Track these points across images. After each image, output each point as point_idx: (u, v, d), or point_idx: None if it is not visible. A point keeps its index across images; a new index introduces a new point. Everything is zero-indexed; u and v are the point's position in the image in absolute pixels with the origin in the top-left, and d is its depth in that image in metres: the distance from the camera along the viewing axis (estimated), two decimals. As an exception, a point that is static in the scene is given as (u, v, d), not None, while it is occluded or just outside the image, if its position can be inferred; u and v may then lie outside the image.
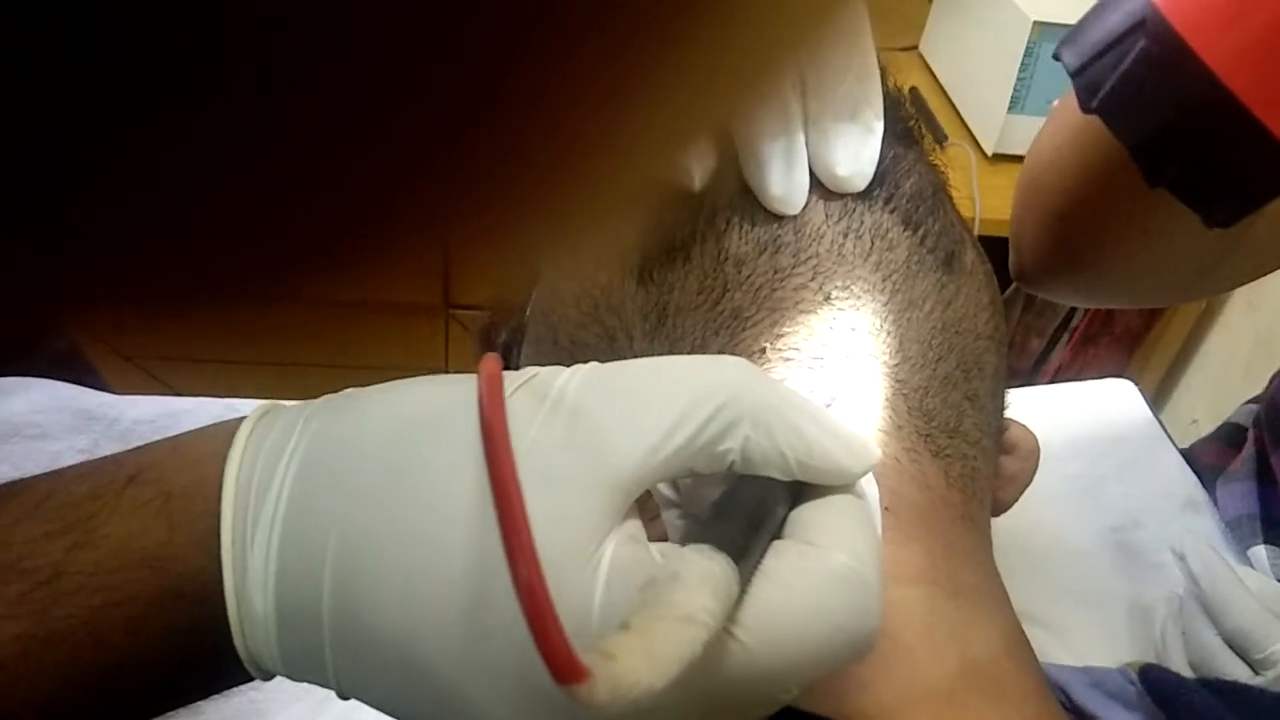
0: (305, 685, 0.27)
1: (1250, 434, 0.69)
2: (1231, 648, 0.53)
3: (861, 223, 0.38)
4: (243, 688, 0.28)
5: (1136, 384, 0.77)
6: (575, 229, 0.16)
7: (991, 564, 0.36)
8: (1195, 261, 0.51)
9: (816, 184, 0.38)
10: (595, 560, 0.23)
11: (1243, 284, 0.56)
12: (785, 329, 0.36)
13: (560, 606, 0.22)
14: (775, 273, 0.36)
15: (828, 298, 0.36)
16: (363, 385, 0.28)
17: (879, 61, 0.37)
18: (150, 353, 1.36)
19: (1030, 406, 0.70)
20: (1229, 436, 0.72)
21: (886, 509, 0.30)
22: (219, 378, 1.39)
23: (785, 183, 0.36)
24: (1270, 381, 0.68)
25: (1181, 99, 0.40)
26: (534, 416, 0.25)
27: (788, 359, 0.35)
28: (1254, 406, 0.71)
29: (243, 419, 0.27)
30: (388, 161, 0.11)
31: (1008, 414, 0.42)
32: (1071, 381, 0.77)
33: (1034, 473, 0.42)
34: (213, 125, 0.10)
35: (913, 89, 1.38)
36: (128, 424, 0.66)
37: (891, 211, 0.38)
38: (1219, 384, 1.40)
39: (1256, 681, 0.50)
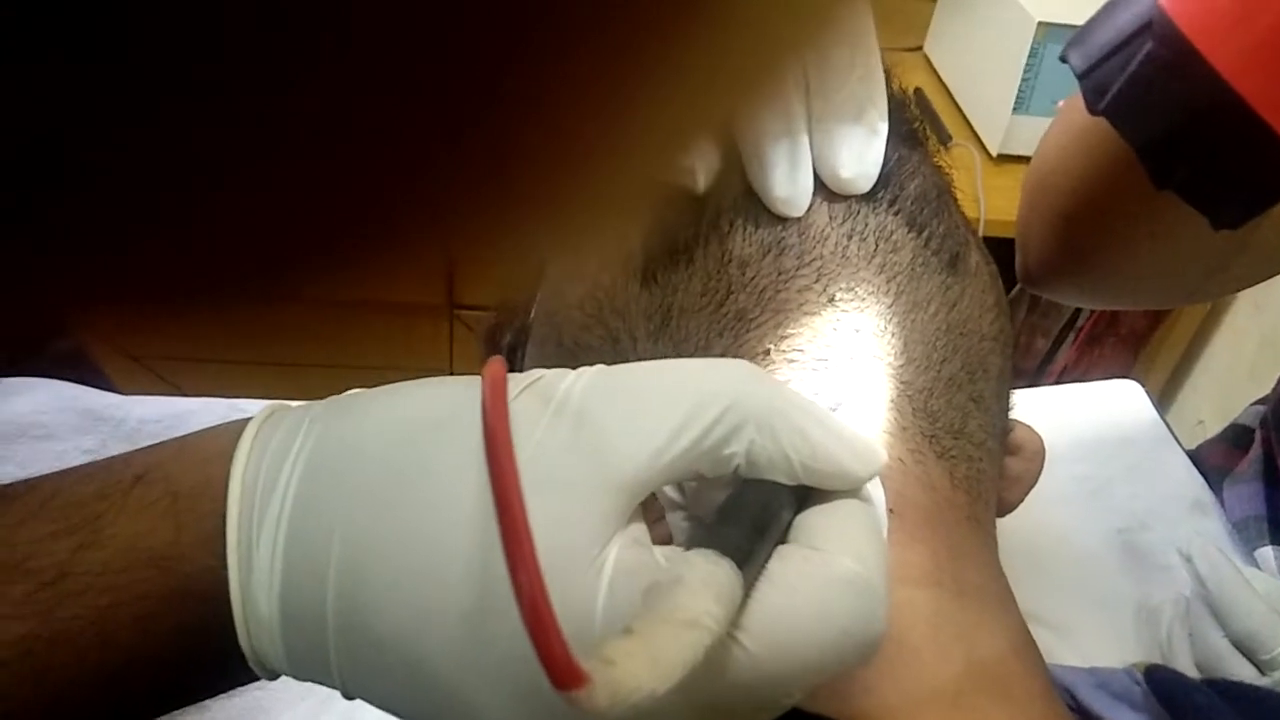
0: (310, 684, 0.27)
1: (1257, 435, 0.68)
2: (1238, 649, 0.53)
3: (866, 225, 0.38)
4: (248, 687, 0.28)
5: (1142, 385, 0.76)
6: (577, 229, 0.16)
7: (997, 565, 0.36)
8: (1201, 263, 0.51)
9: (821, 186, 0.38)
10: (599, 563, 0.23)
11: (1249, 286, 0.55)
12: (789, 331, 0.36)
13: (563, 609, 0.22)
14: (779, 274, 0.36)
15: (832, 300, 0.36)
16: (367, 385, 0.28)
17: (884, 63, 0.37)
18: (156, 353, 1.36)
19: (1036, 407, 0.70)
20: (1236, 438, 0.72)
21: (891, 511, 0.30)
22: (225, 378, 1.39)
23: (789, 185, 0.36)
24: (1277, 382, 0.67)
25: (1189, 101, 0.40)
26: (539, 419, 0.25)
27: (792, 361, 0.35)
28: (1261, 408, 0.71)
29: (249, 419, 0.27)
30: (389, 161, 0.11)
31: (1013, 415, 0.42)
32: (1077, 382, 0.77)
33: (1039, 474, 0.42)
34: (213, 125, 0.10)
35: (917, 90, 1.38)
36: (134, 424, 0.66)
37: (896, 213, 0.38)
38: (1225, 385, 1.40)
39: (1263, 683, 0.49)
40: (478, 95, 0.11)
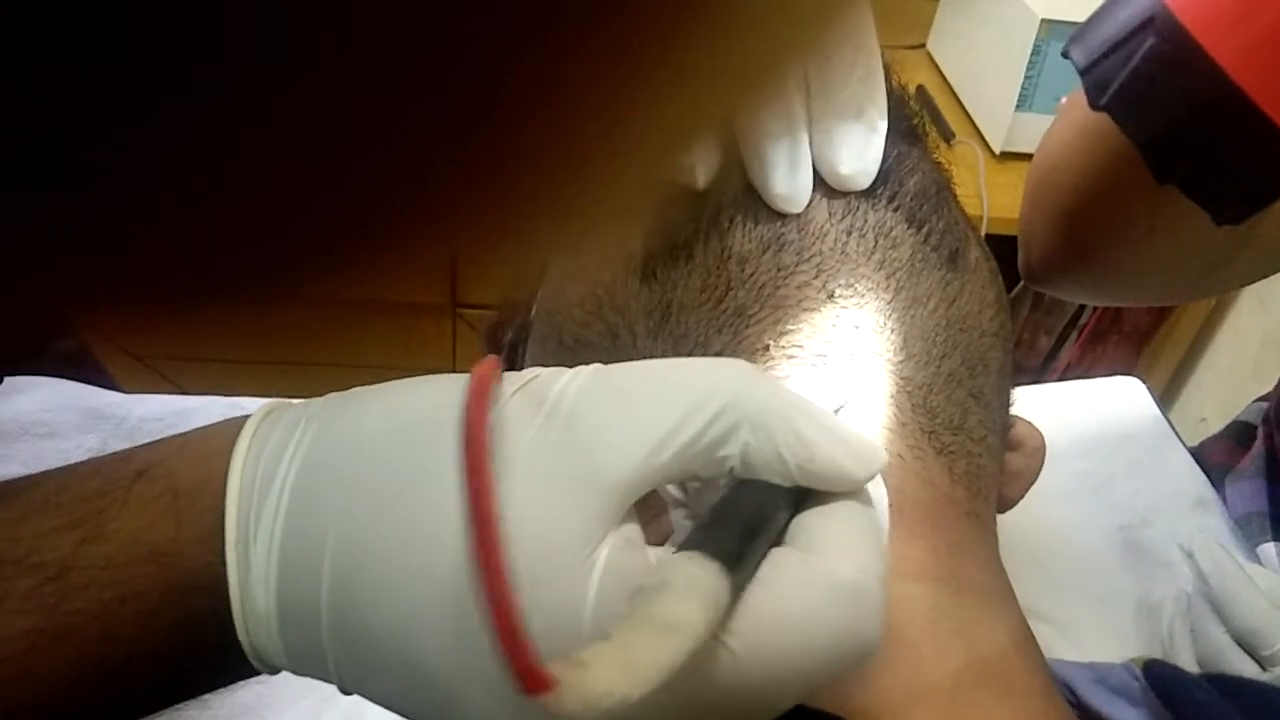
0: (311, 681, 0.27)
1: (1260, 432, 0.68)
2: (1240, 645, 0.53)
3: (865, 221, 0.38)
4: (249, 682, 0.28)
5: (1145, 382, 0.76)
6: (580, 229, 0.16)
7: (997, 561, 0.36)
8: (1204, 259, 0.51)
9: (820, 182, 0.38)
10: (589, 563, 0.23)
11: (1252, 282, 0.55)
12: (789, 327, 0.36)
13: (551, 610, 0.22)
14: (779, 271, 0.36)
15: (831, 295, 0.36)
16: (369, 384, 0.29)
17: (883, 60, 0.37)
18: (159, 352, 1.37)
19: (1038, 404, 0.70)
20: (1238, 434, 0.72)
21: (890, 506, 0.30)
22: (227, 377, 1.39)
23: (789, 181, 0.36)
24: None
25: (1191, 96, 0.40)
26: (532, 419, 0.25)
27: (791, 357, 0.35)
28: (1263, 405, 0.71)
29: (249, 416, 0.27)
30: (391, 161, 0.11)
31: (1014, 411, 0.42)
32: (1080, 380, 0.77)
33: (1040, 470, 0.42)
34: (213, 125, 0.10)
35: (920, 87, 1.38)
36: (135, 422, 0.66)
37: (895, 209, 0.38)
38: (1228, 382, 1.40)
39: (1264, 679, 0.49)
40: (479, 95, 0.11)
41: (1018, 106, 1.20)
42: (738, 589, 0.23)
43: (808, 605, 0.23)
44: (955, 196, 0.43)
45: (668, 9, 0.11)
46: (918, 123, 0.42)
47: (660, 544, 0.26)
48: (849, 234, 0.37)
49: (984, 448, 0.37)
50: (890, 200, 0.38)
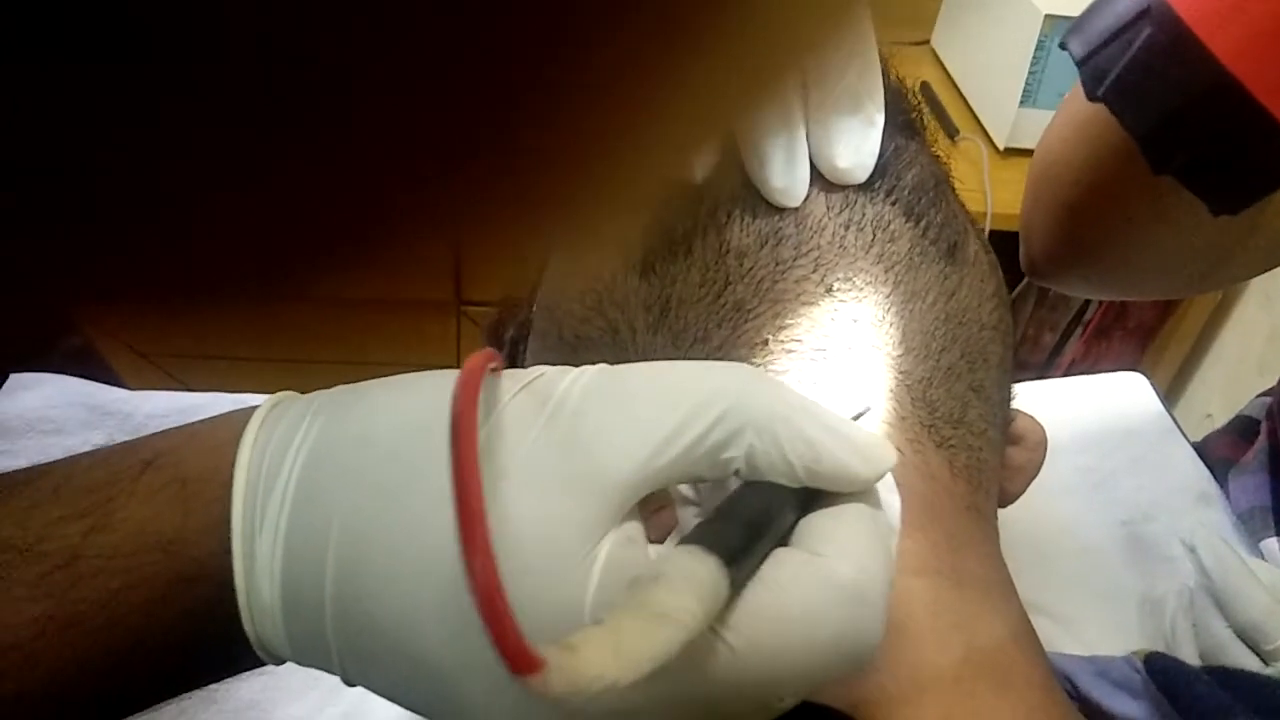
0: (317, 673, 0.27)
1: (1263, 426, 0.68)
2: (1242, 640, 0.53)
3: (863, 215, 0.38)
4: (253, 675, 0.28)
5: (1150, 378, 0.76)
6: (587, 226, 0.16)
7: (998, 555, 0.36)
8: (1206, 251, 0.51)
9: (818, 176, 0.38)
10: (589, 560, 0.24)
11: (1255, 275, 0.55)
12: (787, 321, 0.36)
13: (552, 605, 0.22)
14: (777, 265, 0.36)
15: (829, 290, 0.36)
16: (373, 380, 0.29)
17: (880, 54, 0.37)
18: (165, 350, 1.37)
19: (1042, 400, 0.70)
20: (1242, 429, 0.72)
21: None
22: (232, 374, 1.40)
23: (786, 175, 0.37)
24: (1283, 374, 0.67)
25: (1187, 86, 0.40)
26: (537, 416, 0.25)
27: (790, 351, 0.35)
28: (1267, 399, 0.70)
29: (257, 408, 0.28)
30: (397, 158, 0.11)
31: (1017, 406, 0.42)
32: (1084, 375, 0.77)
33: (1041, 464, 0.42)
34: (215, 125, 0.10)
35: (924, 83, 1.38)
36: (141, 419, 0.66)
37: (893, 203, 0.38)
38: (1233, 378, 1.39)
39: (1266, 673, 0.49)
40: (486, 94, 0.11)
41: (1022, 102, 1.20)
42: (739, 586, 0.23)
43: (808, 604, 0.23)
44: (954, 190, 0.43)
45: (675, 11, 0.11)
46: (915, 116, 0.42)
47: (662, 541, 0.27)
48: (847, 228, 0.37)
49: (985, 441, 0.37)
50: (888, 194, 0.38)
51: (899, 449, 0.34)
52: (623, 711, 0.23)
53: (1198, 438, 0.74)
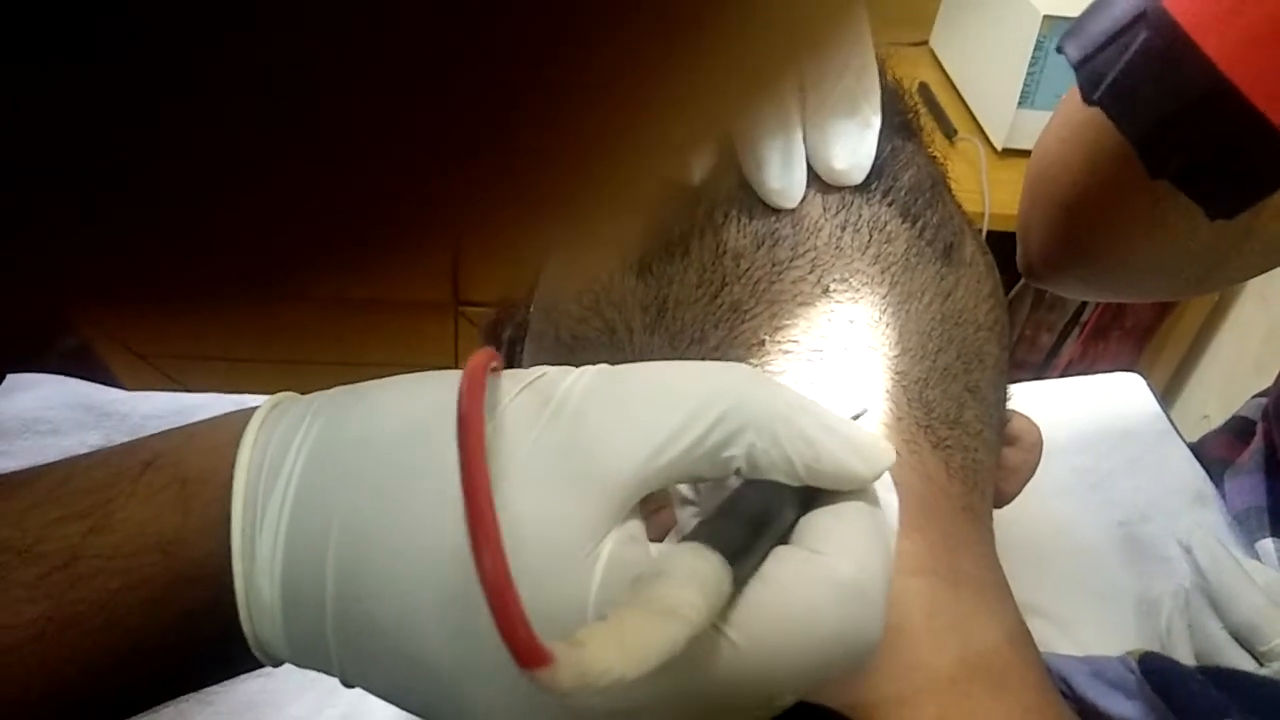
0: (314, 675, 0.27)
1: (1259, 427, 0.68)
2: (1237, 640, 0.53)
3: (859, 216, 0.38)
4: (251, 677, 0.28)
5: (1147, 378, 0.76)
6: (587, 226, 0.16)
7: (993, 556, 0.36)
8: (1203, 254, 0.51)
9: (814, 178, 0.38)
10: (592, 559, 0.24)
11: (1252, 277, 0.55)
12: (784, 321, 0.36)
13: (555, 603, 0.22)
14: (773, 266, 0.37)
15: (826, 290, 0.36)
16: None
17: (878, 55, 0.37)
18: (163, 350, 1.37)
19: (1039, 400, 0.70)
20: (1238, 429, 0.72)
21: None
22: (230, 375, 1.39)
23: (783, 176, 0.37)
24: (1279, 374, 0.67)
25: (1183, 90, 0.40)
26: (539, 415, 0.25)
27: (787, 352, 0.35)
28: (1262, 400, 0.71)
29: (257, 408, 0.28)
30: (397, 159, 0.11)
31: (1014, 407, 0.42)
32: (1081, 376, 0.77)
33: (1037, 464, 0.42)
34: (215, 125, 0.10)
35: (922, 84, 1.38)
36: (138, 419, 0.66)
37: (889, 204, 0.38)
38: (1231, 378, 1.40)
39: (1261, 674, 0.49)
40: (486, 94, 0.11)
41: (1020, 103, 1.20)
42: (741, 583, 0.23)
43: (810, 602, 0.24)
44: (950, 191, 0.43)
45: (673, 11, 0.11)
46: (912, 117, 0.42)
47: (662, 540, 0.27)
48: (843, 229, 0.37)
49: (980, 442, 0.37)
50: (885, 195, 0.39)
51: (895, 450, 0.34)
52: (626, 710, 0.23)
53: (1194, 438, 0.74)
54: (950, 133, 1.28)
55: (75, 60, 0.09)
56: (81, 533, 0.25)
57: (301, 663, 0.27)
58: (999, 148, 1.26)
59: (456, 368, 0.27)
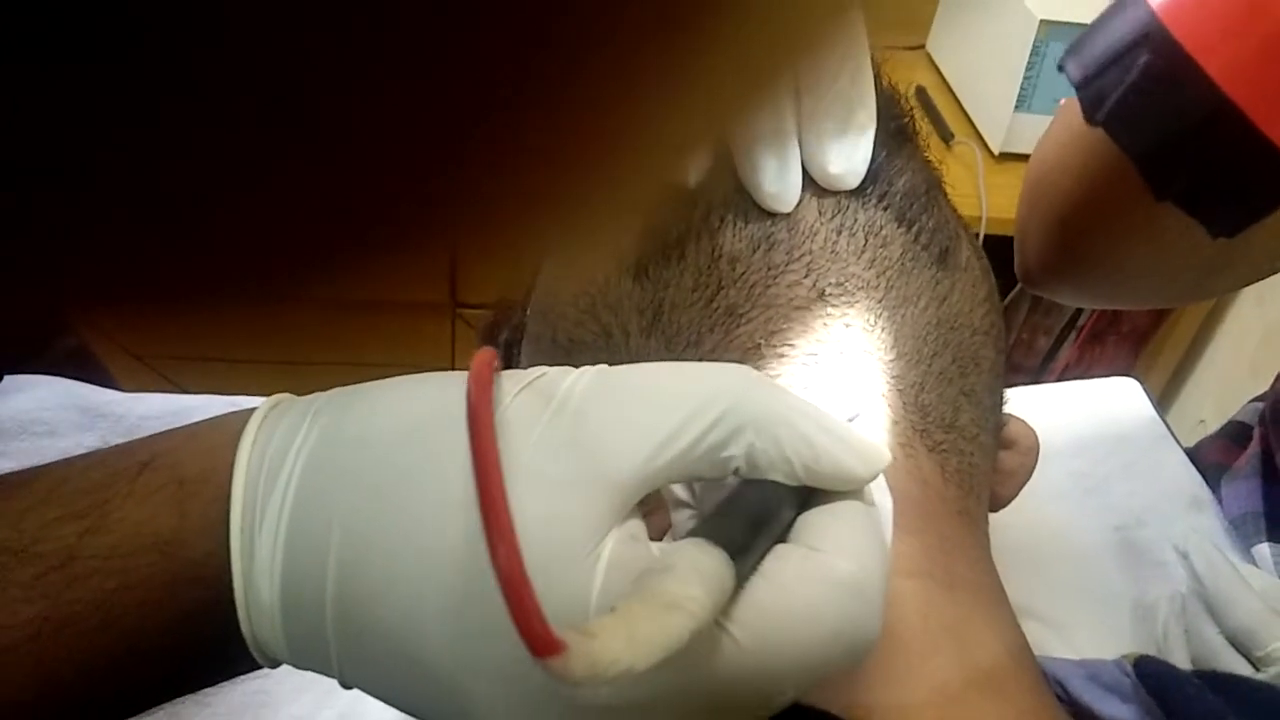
0: (312, 676, 0.27)
1: (1256, 432, 0.68)
2: (1234, 646, 0.53)
3: (855, 220, 0.38)
4: (250, 678, 0.28)
5: (1143, 383, 0.76)
6: (584, 227, 0.16)
7: (989, 560, 0.36)
8: (1200, 264, 0.51)
9: (810, 182, 0.38)
10: (594, 557, 0.24)
11: (1249, 284, 0.56)
12: (779, 325, 0.36)
13: (558, 600, 0.23)
14: (769, 270, 0.37)
15: (821, 294, 0.36)
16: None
17: (874, 59, 0.37)
18: (159, 352, 1.37)
19: (1035, 405, 0.70)
20: (1234, 434, 0.72)
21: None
22: (227, 376, 1.39)
23: (779, 180, 0.37)
24: (1276, 379, 0.68)
25: (1186, 112, 0.40)
26: (539, 416, 0.25)
27: (782, 355, 0.35)
28: (1259, 405, 0.71)
29: (255, 409, 0.28)
30: (394, 159, 0.11)
31: (1008, 410, 0.42)
32: (1078, 380, 0.77)
33: (1033, 468, 0.42)
34: (214, 125, 0.10)
35: (919, 88, 1.38)
36: (135, 421, 0.66)
37: (885, 208, 0.38)
38: (1227, 382, 1.40)
39: (1258, 679, 0.50)
40: (484, 95, 0.11)
41: (1017, 107, 1.21)
42: (742, 580, 0.23)
43: (810, 599, 0.24)
44: (946, 195, 0.43)
45: (669, 14, 0.11)
46: (908, 122, 0.42)
47: (659, 540, 0.27)
48: (839, 233, 0.37)
49: (976, 446, 0.37)
50: (880, 199, 0.39)
51: (890, 453, 0.34)
52: (628, 707, 0.23)
53: (1190, 443, 0.74)
54: (947, 137, 1.29)
55: (75, 60, 0.09)
56: (78, 533, 0.25)
57: (299, 663, 0.27)
58: (996, 152, 1.26)
59: (453, 369, 0.27)
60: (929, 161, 0.43)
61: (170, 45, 0.09)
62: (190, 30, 0.09)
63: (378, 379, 0.28)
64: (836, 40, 0.35)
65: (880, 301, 0.37)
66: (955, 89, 1.39)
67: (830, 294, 0.36)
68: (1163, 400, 1.49)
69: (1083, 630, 0.58)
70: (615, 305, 0.38)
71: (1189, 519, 0.65)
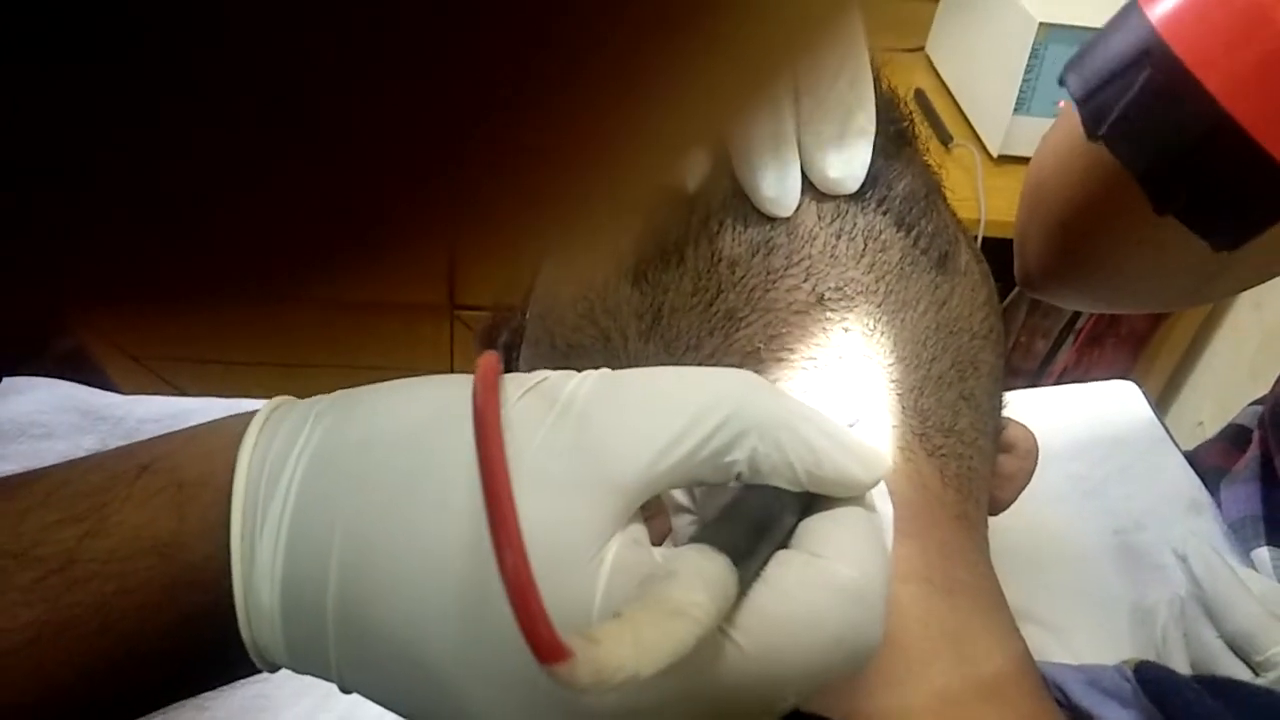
0: (311, 681, 0.27)
1: (1255, 435, 0.68)
2: (1233, 649, 0.53)
3: (854, 224, 0.38)
4: (249, 682, 0.28)
5: (1142, 386, 0.77)
6: (584, 229, 0.16)
7: (988, 564, 0.36)
8: (1198, 271, 0.51)
9: (809, 186, 0.38)
10: (597, 561, 0.24)
11: (1247, 288, 0.56)
12: (778, 330, 0.36)
13: (560, 606, 0.22)
14: (768, 274, 0.37)
15: (820, 299, 0.36)
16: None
17: (873, 62, 0.37)
18: (158, 354, 1.37)
19: (1033, 408, 0.70)
20: (1233, 437, 0.72)
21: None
22: (226, 378, 1.39)
23: (778, 185, 0.37)
24: (1276, 382, 0.68)
25: (1186, 127, 0.40)
26: (543, 419, 0.25)
27: (781, 360, 0.35)
28: (1258, 408, 0.71)
29: (256, 412, 0.28)
30: (394, 160, 0.11)
31: (1006, 413, 0.42)
32: (1077, 383, 0.77)
33: (1032, 472, 0.42)
34: (214, 125, 0.10)
35: (918, 90, 1.38)
36: (133, 423, 0.66)
37: (884, 213, 0.39)
38: (1225, 385, 1.40)
39: (1257, 683, 0.49)
40: (483, 96, 0.11)
41: (1015, 110, 1.21)
42: (744, 585, 0.23)
43: (813, 605, 0.24)
44: (945, 199, 0.43)
45: (671, 15, 0.11)
46: (907, 125, 0.42)
47: (659, 545, 0.27)
48: (838, 237, 0.37)
49: (975, 450, 0.37)
50: (879, 204, 0.39)
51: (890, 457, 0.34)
52: (632, 713, 0.23)
53: (1189, 446, 0.74)
54: (946, 139, 1.29)
55: (75, 60, 0.09)
56: (78, 536, 0.25)
57: (299, 668, 0.26)
58: (995, 154, 1.26)
59: (451, 371, 0.27)
60: (928, 165, 0.43)
61: (170, 45, 0.09)
62: (190, 30, 0.09)
63: (376, 381, 0.28)
64: (835, 43, 0.35)
65: (879, 306, 0.37)
66: (954, 91, 1.40)
67: (829, 298, 0.36)
68: (1161, 403, 1.49)
69: (1081, 633, 0.58)
70: (614, 310, 0.38)
71: (1188, 522, 0.65)
